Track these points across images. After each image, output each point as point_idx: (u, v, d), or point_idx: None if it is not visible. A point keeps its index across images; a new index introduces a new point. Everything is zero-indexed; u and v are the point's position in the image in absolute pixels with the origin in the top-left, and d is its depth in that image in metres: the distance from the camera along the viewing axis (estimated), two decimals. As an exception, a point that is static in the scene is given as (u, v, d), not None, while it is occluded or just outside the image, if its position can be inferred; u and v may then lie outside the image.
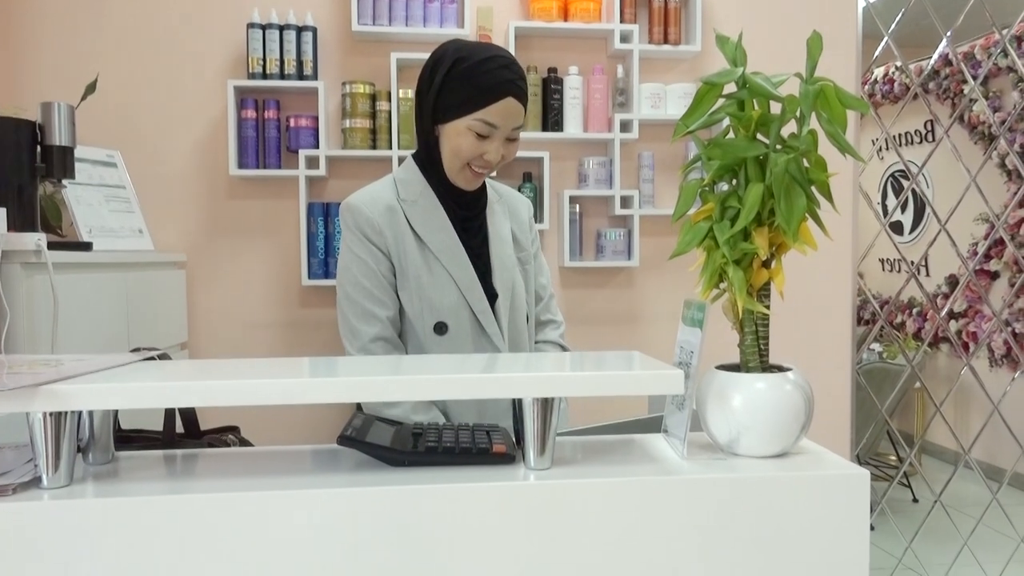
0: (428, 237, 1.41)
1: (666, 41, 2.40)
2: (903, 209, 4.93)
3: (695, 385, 0.91)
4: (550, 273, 1.69)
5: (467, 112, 1.34)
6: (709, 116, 0.92)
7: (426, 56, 1.41)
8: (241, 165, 2.28)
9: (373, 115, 2.32)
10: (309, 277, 2.30)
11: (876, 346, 4.25)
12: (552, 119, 2.37)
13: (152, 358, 0.92)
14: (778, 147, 0.91)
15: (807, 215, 0.90)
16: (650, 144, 2.46)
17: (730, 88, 0.94)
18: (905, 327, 4.77)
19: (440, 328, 1.40)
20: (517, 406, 0.87)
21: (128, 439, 1.02)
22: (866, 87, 4.87)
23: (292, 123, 2.30)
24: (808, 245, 0.90)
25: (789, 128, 0.92)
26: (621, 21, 2.37)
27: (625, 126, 2.39)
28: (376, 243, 1.39)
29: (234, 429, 1.13)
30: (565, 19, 2.38)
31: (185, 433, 1.06)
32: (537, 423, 0.84)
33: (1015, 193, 3.71)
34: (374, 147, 2.33)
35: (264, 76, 2.26)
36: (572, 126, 2.37)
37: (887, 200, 5.08)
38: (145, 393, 0.75)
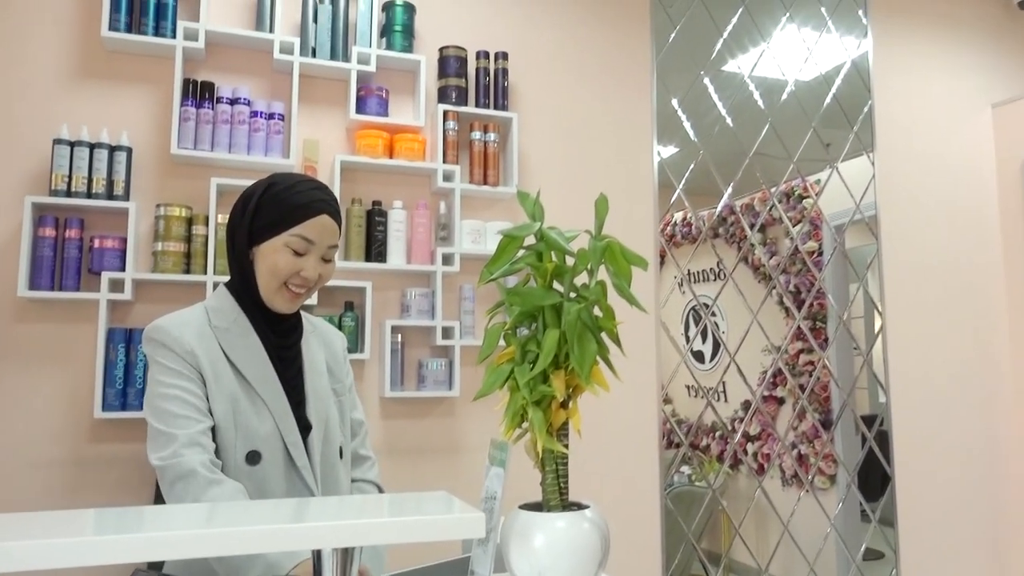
0: (243, 365, 1.37)
1: (485, 182, 2.55)
2: (703, 339, 5.39)
3: (499, 525, 0.93)
4: (364, 406, 1.68)
5: (284, 229, 1.37)
6: (510, 265, 0.99)
7: (249, 182, 1.44)
8: (33, 286, 2.09)
9: (188, 239, 2.25)
10: (103, 409, 2.10)
11: (686, 469, 4.49)
12: (376, 250, 2.41)
13: None
14: (572, 296, 0.99)
15: (599, 359, 0.97)
16: (471, 277, 2.56)
17: (531, 239, 1.02)
18: (710, 450, 5.10)
19: (253, 458, 1.34)
20: (315, 556, 0.84)
21: None
22: (668, 228, 5.39)
23: (96, 244, 2.16)
24: (600, 386, 0.97)
25: (583, 278, 1.01)
26: (444, 161, 2.50)
27: (447, 259, 2.48)
28: (190, 362, 1.33)
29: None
30: (391, 156, 2.47)
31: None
32: (336, 574, 0.81)
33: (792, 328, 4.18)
34: (188, 272, 2.24)
35: (68, 194, 2.13)
36: (395, 258, 2.42)
37: (690, 330, 5.54)
38: None
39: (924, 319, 3.26)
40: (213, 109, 2.29)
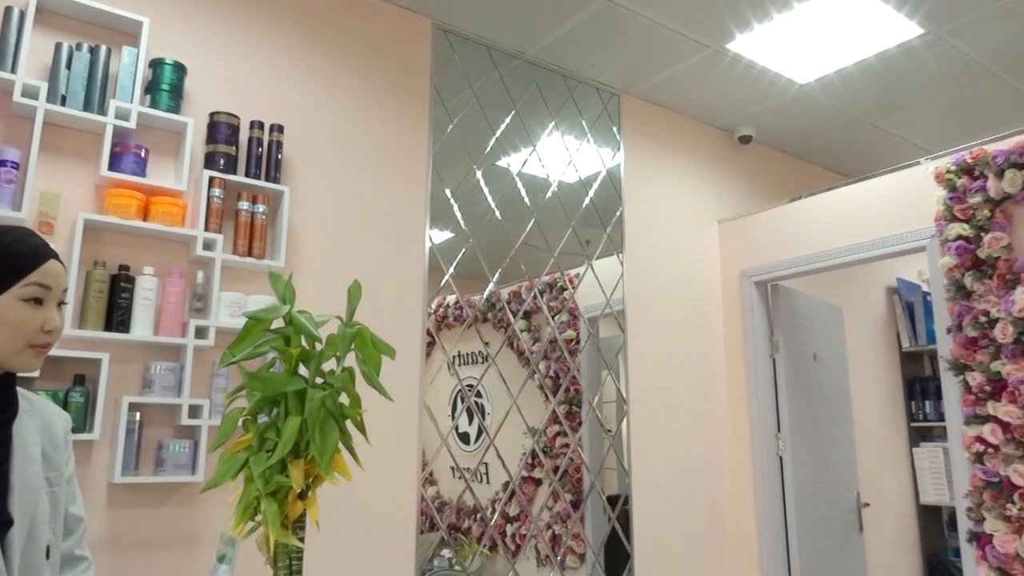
0: None
1: (250, 254, 2.46)
2: (470, 421, 5.49)
3: (220, 629, 0.86)
4: (88, 494, 1.49)
5: (15, 281, 1.24)
6: (255, 348, 0.96)
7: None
8: None
9: None
10: None
11: (447, 552, 4.47)
12: (118, 319, 2.20)
13: None
14: (318, 382, 0.97)
15: (342, 447, 0.96)
16: (227, 352, 2.41)
17: (279, 322, 0.99)
18: (471, 531, 5.13)
19: (-73, 564, 1.13)
20: None
21: None
22: (440, 310, 5.51)
23: None
24: (342, 476, 0.96)
25: (333, 364, 1.00)
26: (206, 229, 2.38)
27: (201, 332, 2.32)
28: None
29: None
30: (144, 219, 2.30)
31: None
32: None
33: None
34: None
35: None
36: (141, 328, 2.23)
37: (457, 411, 5.62)
38: None
39: (661, 406, 3.60)
40: (-73, 148, 2.00)
